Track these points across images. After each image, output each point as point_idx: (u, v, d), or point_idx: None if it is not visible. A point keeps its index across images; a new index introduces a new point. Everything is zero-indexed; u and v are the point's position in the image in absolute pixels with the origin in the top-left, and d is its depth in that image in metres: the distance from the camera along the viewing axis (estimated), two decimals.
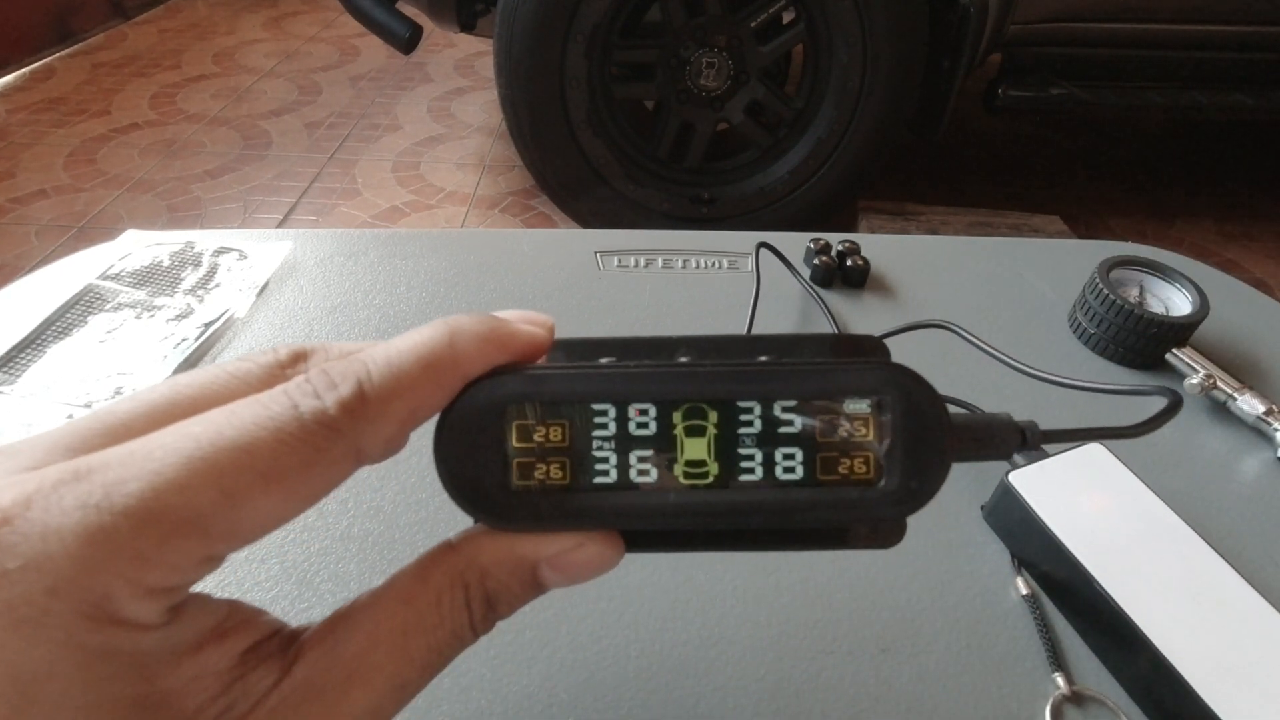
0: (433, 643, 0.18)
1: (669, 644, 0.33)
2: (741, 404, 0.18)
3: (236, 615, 0.17)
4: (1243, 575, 0.33)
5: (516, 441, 0.18)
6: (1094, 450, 0.38)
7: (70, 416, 0.41)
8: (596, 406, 0.18)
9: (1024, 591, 0.35)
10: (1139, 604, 0.31)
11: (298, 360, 0.18)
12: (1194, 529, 0.34)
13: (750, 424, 0.18)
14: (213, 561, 0.16)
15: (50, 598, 0.14)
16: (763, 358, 0.19)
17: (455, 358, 0.18)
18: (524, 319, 0.20)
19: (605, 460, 0.18)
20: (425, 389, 0.17)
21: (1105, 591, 0.32)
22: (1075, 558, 0.33)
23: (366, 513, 0.37)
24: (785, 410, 0.18)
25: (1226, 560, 0.33)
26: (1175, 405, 0.19)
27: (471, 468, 0.18)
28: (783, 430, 0.18)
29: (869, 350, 0.20)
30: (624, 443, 0.18)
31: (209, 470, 0.15)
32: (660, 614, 0.34)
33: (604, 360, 0.19)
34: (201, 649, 0.16)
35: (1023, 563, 0.36)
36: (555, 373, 0.18)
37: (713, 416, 0.18)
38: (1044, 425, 0.19)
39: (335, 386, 0.16)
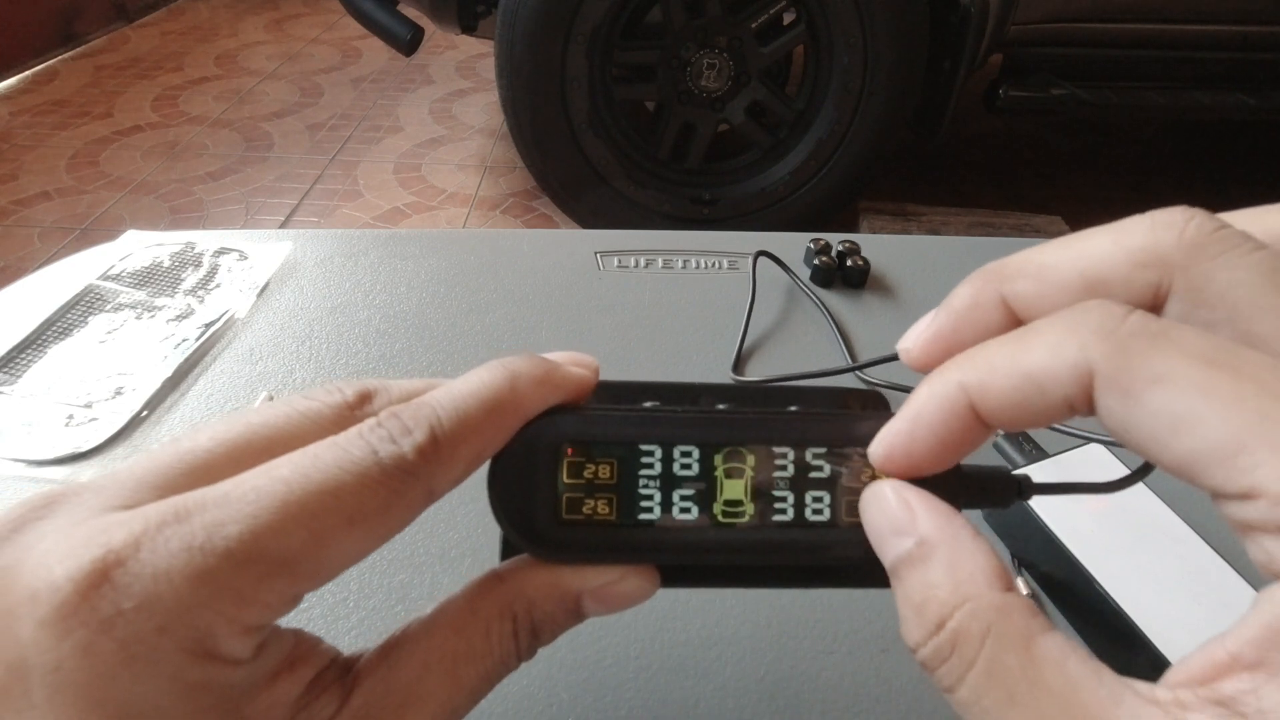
0: (481, 670, 0.19)
1: (669, 644, 0.33)
2: (777, 449, 0.19)
3: (301, 645, 0.18)
4: (1243, 575, 0.33)
5: (567, 478, 0.19)
6: (1094, 450, 0.38)
7: (70, 417, 0.41)
8: (644, 447, 0.19)
9: (1024, 591, 0.35)
10: (1139, 604, 0.31)
11: (364, 400, 0.19)
12: (1194, 529, 0.34)
13: (784, 468, 0.19)
14: (298, 599, 0.16)
15: (160, 636, 0.14)
16: (793, 407, 0.20)
17: (517, 401, 0.19)
18: (573, 361, 0.21)
19: (650, 498, 0.19)
20: (491, 431, 0.18)
21: (1105, 591, 0.32)
22: (1075, 558, 0.33)
23: None
24: (815, 456, 0.19)
25: (1226, 560, 0.33)
26: (1146, 467, 0.19)
27: (525, 503, 0.19)
28: (812, 474, 0.19)
29: (873, 404, 0.21)
30: (668, 482, 0.19)
31: (300, 514, 0.16)
32: (660, 614, 0.34)
33: (649, 404, 0.20)
34: (276, 680, 0.17)
35: (1023, 563, 0.36)
36: (608, 414, 0.20)
37: (750, 460, 0.19)
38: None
39: (410, 432, 0.17)
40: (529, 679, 0.31)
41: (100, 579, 0.14)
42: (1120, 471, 0.37)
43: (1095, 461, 0.38)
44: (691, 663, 0.32)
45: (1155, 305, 0.16)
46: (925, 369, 0.18)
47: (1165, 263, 0.16)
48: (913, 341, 0.19)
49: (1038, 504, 0.35)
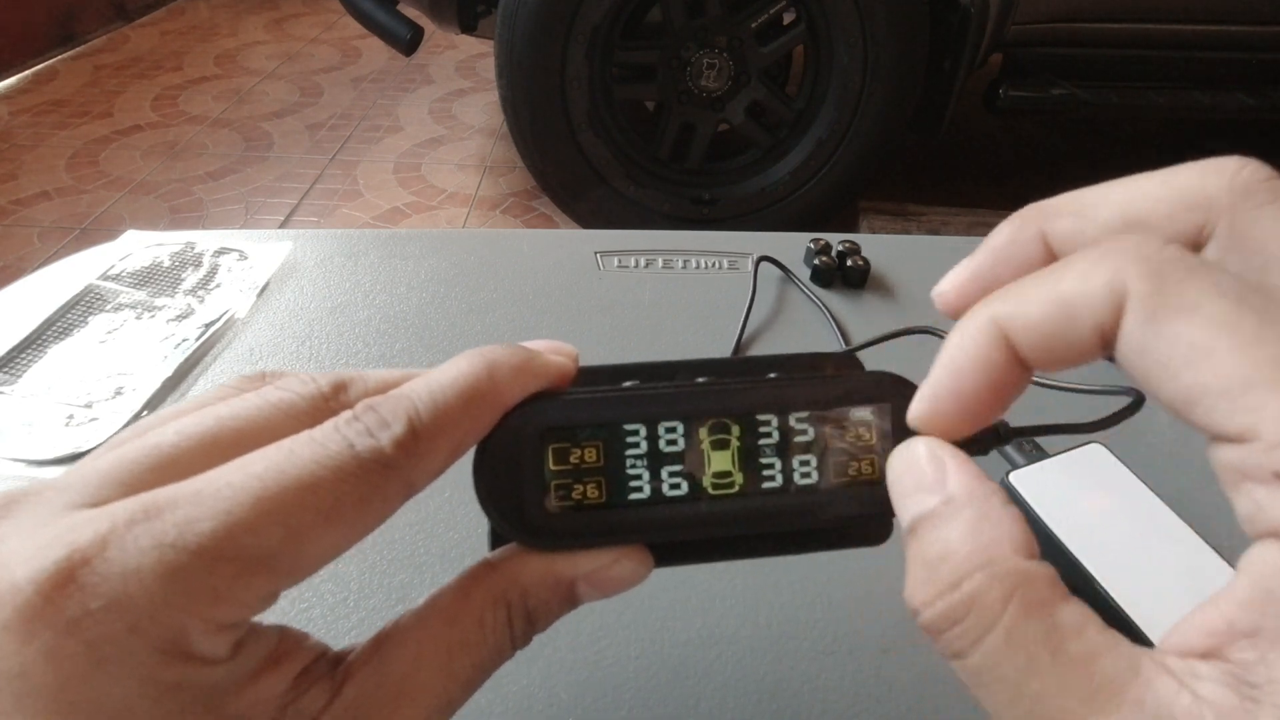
0: (476, 660, 0.18)
1: (669, 644, 0.33)
2: (761, 417, 0.19)
3: (286, 641, 0.17)
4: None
5: (554, 465, 0.19)
6: (1094, 450, 0.38)
7: (70, 417, 0.41)
8: (629, 427, 0.19)
9: None
10: (1139, 604, 0.31)
11: (339, 391, 0.19)
12: (1194, 529, 0.34)
13: (769, 435, 0.19)
14: (274, 596, 0.16)
15: (131, 636, 0.14)
16: (772, 374, 0.20)
17: (496, 390, 0.18)
18: (552, 349, 0.20)
19: (639, 477, 0.19)
20: (470, 422, 0.18)
21: (1105, 591, 0.32)
22: (1075, 558, 0.33)
23: None
24: (799, 420, 0.19)
25: (1227, 560, 0.33)
26: (1137, 403, 0.19)
27: (512, 492, 0.19)
28: (797, 439, 0.19)
29: (847, 364, 0.21)
30: (655, 460, 0.19)
31: (276, 510, 0.15)
32: (660, 614, 0.34)
33: (629, 384, 0.20)
34: (260, 676, 0.16)
35: None
36: (590, 398, 0.19)
37: (736, 430, 0.19)
38: (1022, 422, 0.20)
39: (388, 425, 0.17)
40: (529, 679, 0.31)
41: (65, 580, 0.14)
42: (1121, 470, 0.37)
43: (1095, 461, 0.38)
44: (691, 663, 0.32)
45: (1195, 248, 0.16)
46: (959, 312, 0.18)
47: (1211, 205, 0.15)
48: (949, 284, 0.18)
49: (1038, 504, 0.35)
